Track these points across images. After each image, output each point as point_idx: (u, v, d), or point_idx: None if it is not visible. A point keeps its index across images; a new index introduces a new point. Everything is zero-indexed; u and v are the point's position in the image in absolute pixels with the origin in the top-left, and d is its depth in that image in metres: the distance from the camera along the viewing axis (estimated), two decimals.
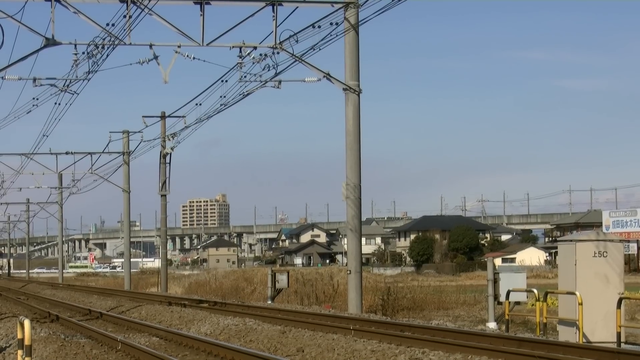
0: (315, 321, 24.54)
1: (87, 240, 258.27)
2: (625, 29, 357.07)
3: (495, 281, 26.58)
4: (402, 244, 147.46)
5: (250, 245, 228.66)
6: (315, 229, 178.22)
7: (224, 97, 33.46)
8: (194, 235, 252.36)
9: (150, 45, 27.90)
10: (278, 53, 28.73)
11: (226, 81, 32.60)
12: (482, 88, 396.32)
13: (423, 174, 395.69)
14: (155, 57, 28.07)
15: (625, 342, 21.20)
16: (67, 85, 32.50)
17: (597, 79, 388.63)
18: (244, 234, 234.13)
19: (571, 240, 22.03)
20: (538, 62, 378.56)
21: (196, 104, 37.48)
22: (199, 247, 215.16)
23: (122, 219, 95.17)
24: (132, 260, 72.48)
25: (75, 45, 28.39)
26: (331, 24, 27.20)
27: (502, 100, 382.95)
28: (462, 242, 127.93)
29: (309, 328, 22.68)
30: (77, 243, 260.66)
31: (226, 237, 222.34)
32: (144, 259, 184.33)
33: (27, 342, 13.50)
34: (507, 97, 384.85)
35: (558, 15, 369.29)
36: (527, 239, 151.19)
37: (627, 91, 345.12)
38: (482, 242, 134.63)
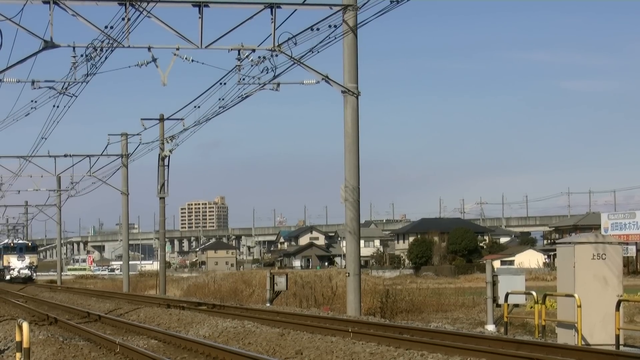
0: (313, 323, 24.55)
1: (85, 243, 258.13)
2: (627, 30, 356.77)
3: (494, 283, 26.56)
4: (401, 247, 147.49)
5: (249, 247, 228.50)
6: (313, 232, 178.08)
7: (223, 99, 33.48)
8: (192, 238, 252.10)
9: (149, 48, 27.90)
10: (277, 55, 28.73)
11: (225, 83, 32.64)
12: (482, 90, 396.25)
13: (422, 176, 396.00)
14: (154, 60, 28.07)
15: (624, 345, 21.22)
16: (66, 88, 32.50)
17: (598, 81, 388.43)
18: (243, 237, 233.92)
19: (570, 243, 22.02)
20: (540, 63, 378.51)
21: (195, 107, 37.54)
22: (197, 249, 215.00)
23: (120, 222, 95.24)
24: (130, 262, 72.47)
25: (74, 47, 28.37)
26: (330, 26, 27.22)
27: (502, 102, 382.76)
28: (461, 245, 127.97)
29: (308, 330, 22.69)
30: (75, 245, 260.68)
31: (225, 240, 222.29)
32: (143, 262, 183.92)
33: (25, 344, 13.48)
34: (507, 99, 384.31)
35: (560, 16, 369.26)
36: (525, 241, 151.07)
37: (627, 93, 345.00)
38: (481, 244, 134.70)
